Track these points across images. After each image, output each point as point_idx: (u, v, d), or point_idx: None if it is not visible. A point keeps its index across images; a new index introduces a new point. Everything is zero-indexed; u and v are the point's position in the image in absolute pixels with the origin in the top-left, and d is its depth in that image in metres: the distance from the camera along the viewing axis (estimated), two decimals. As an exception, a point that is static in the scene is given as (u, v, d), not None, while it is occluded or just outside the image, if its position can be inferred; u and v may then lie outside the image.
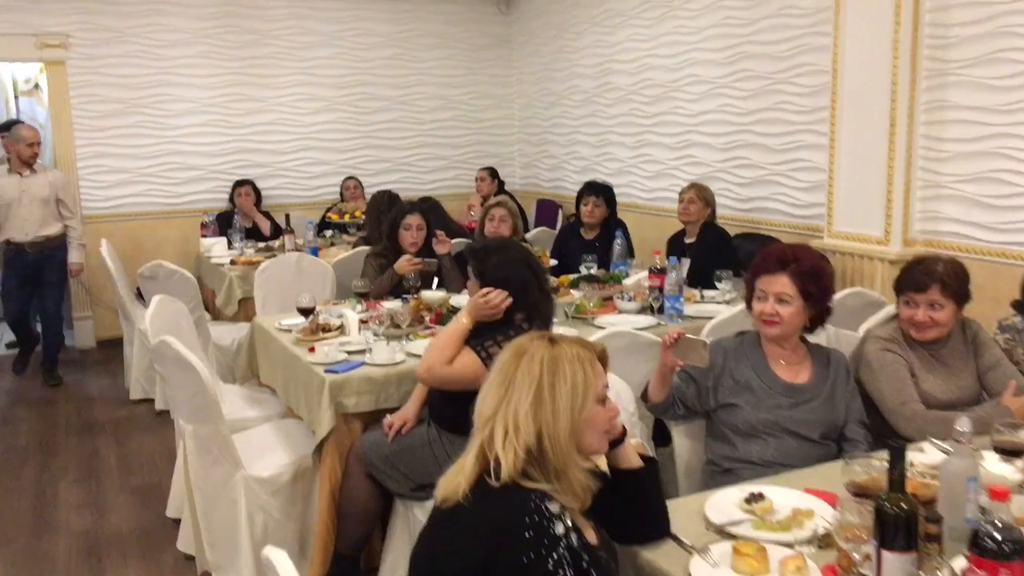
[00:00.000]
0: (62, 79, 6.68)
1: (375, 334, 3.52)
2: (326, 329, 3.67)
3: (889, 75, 4.21)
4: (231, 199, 6.95)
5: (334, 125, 7.58)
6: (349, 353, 3.39)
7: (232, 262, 5.59)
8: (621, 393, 2.69)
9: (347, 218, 6.45)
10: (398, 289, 4.41)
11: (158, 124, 7.00)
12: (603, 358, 1.79)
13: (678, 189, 6.00)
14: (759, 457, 2.48)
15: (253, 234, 6.60)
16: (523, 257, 3.03)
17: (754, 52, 5.29)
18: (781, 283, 2.51)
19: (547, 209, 7.48)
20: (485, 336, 2.82)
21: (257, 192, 6.97)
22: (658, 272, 3.98)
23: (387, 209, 5.39)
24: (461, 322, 2.86)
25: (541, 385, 1.68)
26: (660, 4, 6.06)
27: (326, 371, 3.20)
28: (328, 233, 6.49)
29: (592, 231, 5.18)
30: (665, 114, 6.13)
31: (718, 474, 2.55)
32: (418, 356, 3.31)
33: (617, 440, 1.84)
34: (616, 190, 6.67)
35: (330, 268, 4.88)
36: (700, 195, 4.83)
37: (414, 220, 4.47)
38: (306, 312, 3.81)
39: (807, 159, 4.99)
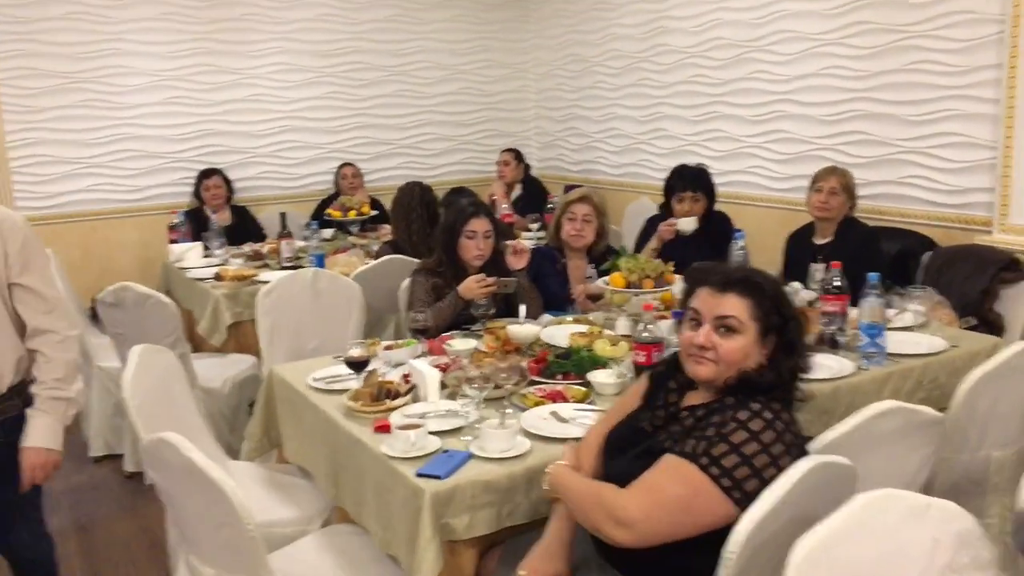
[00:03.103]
0: (-16, 48, 5.34)
1: (467, 397, 2.36)
2: (392, 393, 2.51)
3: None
4: (196, 194, 5.71)
5: (322, 102, 6.33)
6: (438, 435, 2.26)
7: (217, 277, 4.36)
8: (932, 510, 1.60)
9: (352, 215, 5.25)
10: (460, 318, 3.28)
11: (107, 103, 5.69)
12: None
13: (759, 171, 4.99)
14: None
15: (237, 235, 5.36)
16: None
17: (876, 0, 4.22)
18: None
19: (577, 197, 6.33)
20: (701, 435, 1.71)
21: (228, 184, 5.74)
22: (836, 292, 2.90)
23: (419, 206, 4.26)
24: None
25: None
26: (735, -55, 4.97)
27: (419, 474, 2.06)
28: (327, 234, 5.28)
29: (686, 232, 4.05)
30: (741, 80, 5.05)
31: None
32: (545, 439, 2.21)
33: None
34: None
35: (357, 288, 3.70)
36: (844, 184, 3.74)
37: (480, 225, 3.31)
38: (358, 365, 2.65)
39: (960, 133, 3.95)
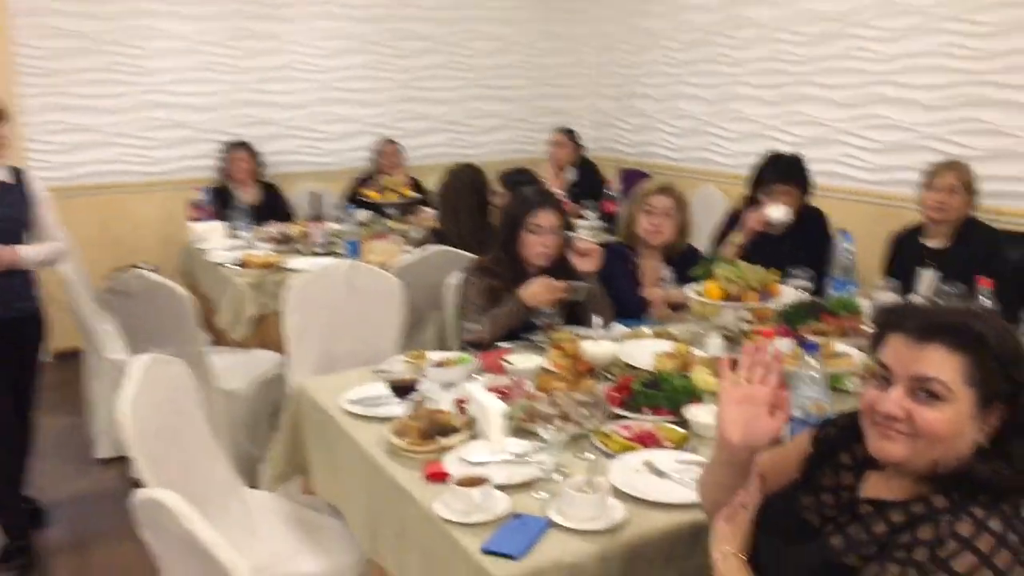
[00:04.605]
0: (-1, 3, 4.91)
1: (543, 440, 1.88)
2: (444, 428, 2.04)
3: None
4: (223, 168, 5.25)
5: (363, 72, 5.84)
6: (505, 489, 1.79)
7: (241, 264, 3.91)
8: None
9: (391, 196, 4.77)
10: (521, 328, 2.80)
11: (133, 67, 5.23)
12: None
13: (849, 161, 4.44)
14: None
15: (264, 214, 4.90)
16: None
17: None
18: None
19: (633, 182, 5.76)
20: (906, 557, 1.19)
21: (256, 158, 5.28)
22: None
23: (470, 192, 3.76)
24: None
25: None
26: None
27: (487, 550, 1.59)
28: (362, 216, 4.81)
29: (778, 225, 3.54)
30: (832, 58, 4.49)
31: None
32: (643, 503, 1.73)
33: None
34: (749, 161, 5.10)
35: (398, 286, 3.22)
36: (964, 181, 3.23)
37: (548, 219, 2.82)
38: (403, 390, 2.18)
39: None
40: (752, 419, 1.38)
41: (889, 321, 1.33)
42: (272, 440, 3.16)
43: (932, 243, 3.33)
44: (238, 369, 3.63)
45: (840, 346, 2.37)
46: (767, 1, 4.84)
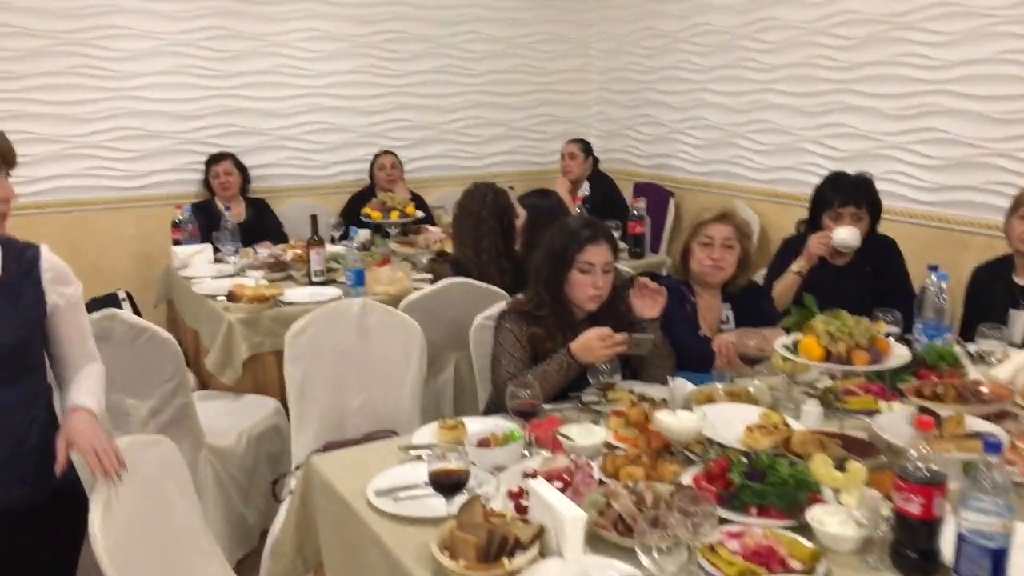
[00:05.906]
0: (-48, 0, 4.41)
1: (632, 553, 1.45)
2: (507, 543, 1.60)
3: None
4: (206, 183, 4.79)
5: (356, 77, 5.37)
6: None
7: (231, 296, 3.45)
8: None
9: (395, 216, 4.32)
10: (572, 386, 2.37)
11: (103, 71, 4.74)
12: None
13: (900, 179, 4.07)
14: None
15: (253, 233, 4.44)
16: None
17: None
18: None
19: (651, 199, 5.30)
20: None
21: (243, 171, 4.82)
22: None
23: (492, 216, 3.31)
24: None
25: None
26: None
27: None
28: (359, 236, 4.35)
29: (844, 255, 3.14)
30: (879, 64, 4.09)
31: None
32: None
33: None
34: (782, 176, 4.73)
35: (418, 331, 2.77)
36: (1057, 205, 2.85)
37: (600, 255, 2.39)
38: (449, 487, 1.74)
39: None
40: None
41: None
42: (270, 506, 2.76)
43: (1022, 280, 2.94)
44: (229, 420, 3.19)
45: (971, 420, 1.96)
46: (801, 1, 4.44)
